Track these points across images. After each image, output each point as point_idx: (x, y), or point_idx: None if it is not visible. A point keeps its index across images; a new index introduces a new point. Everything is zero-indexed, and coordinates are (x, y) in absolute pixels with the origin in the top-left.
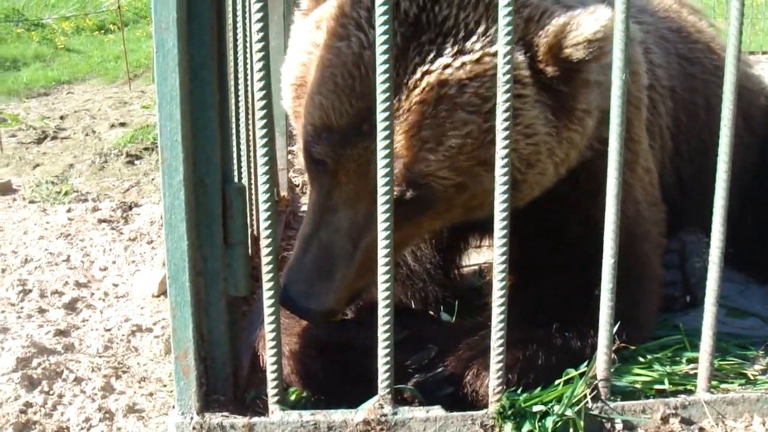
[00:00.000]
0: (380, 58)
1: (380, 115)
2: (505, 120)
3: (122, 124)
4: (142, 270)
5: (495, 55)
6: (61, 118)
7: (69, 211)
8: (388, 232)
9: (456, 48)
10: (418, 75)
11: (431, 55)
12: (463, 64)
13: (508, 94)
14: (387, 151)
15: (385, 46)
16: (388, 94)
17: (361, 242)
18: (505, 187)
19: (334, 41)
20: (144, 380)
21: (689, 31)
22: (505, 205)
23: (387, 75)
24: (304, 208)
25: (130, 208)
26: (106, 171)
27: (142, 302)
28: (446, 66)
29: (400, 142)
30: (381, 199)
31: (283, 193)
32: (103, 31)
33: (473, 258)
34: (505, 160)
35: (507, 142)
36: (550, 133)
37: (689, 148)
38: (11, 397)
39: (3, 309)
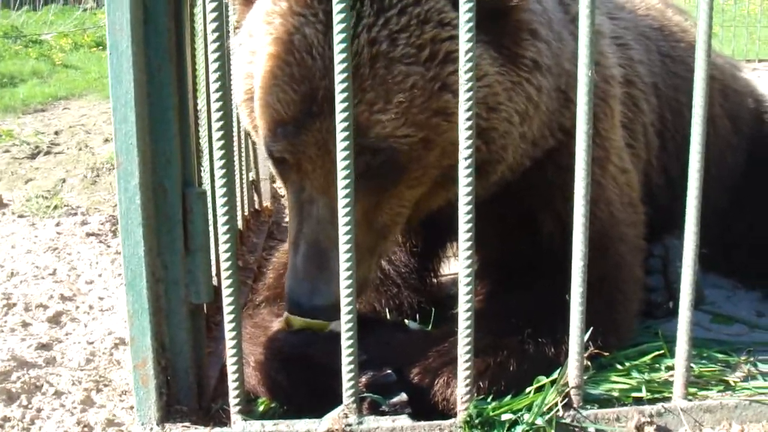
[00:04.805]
0: (337, 28)
1: (339, 86)
2: (468, 71)
3: None
4: None
5: (414, 3)
6: (56, 133)
7: (58, 225)
8: (349, 217)
9: (375, 7)
10: None
11: (353, 21)
12: (387, 20)
13: (471, 44)
14: (346, 123)
15: (342, 15)
16: (345, 66)
17: None
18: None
19: (264, 39)
20: (125, 393)
21: (672, 30)
22: (470, 151)
23: (344, 45)
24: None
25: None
26: (98, 185)
27: (126, 315)
28: (370, 26)
29: None
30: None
31: (266, 203)
32: (101, 48)
33: (453, 267)
34: (470, 113)
35: (470, 93)
36: (501, 73)
37: (676, 145)
38: None
39: None
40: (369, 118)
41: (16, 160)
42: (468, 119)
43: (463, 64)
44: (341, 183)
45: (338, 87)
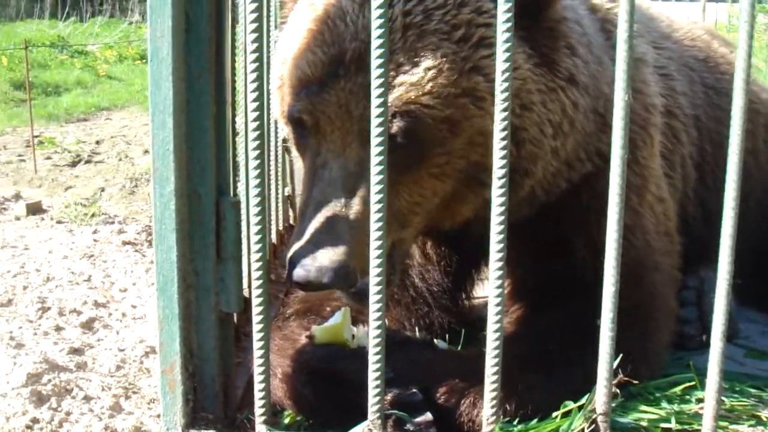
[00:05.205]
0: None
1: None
2: (506, 51)
3: None
4: None
5: None
6: (97, 142)
7: (95, 232)
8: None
9: None
10: None
11: None
12: None
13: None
14: (381, 88)
15: None
16: (383, 32)
17: (359, 190)
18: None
19: (305, 17)
20: (153, 401)
21: (718, 62)
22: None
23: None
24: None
25: None
26: (136, 195)
27: (156, 320)
28: (406, 0)
29: None
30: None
31: None
32: (144, 61)
33: (487, 290)
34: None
35: (506, 94)
36: (535, 73)
37: (715, 178)
38: (18, 412)
39: (20, 325)
40: (394, 78)
41: (57, 168)
42: (503, 110)
43: (500, 54)
44: (375, 147)
45: (374, 51)
